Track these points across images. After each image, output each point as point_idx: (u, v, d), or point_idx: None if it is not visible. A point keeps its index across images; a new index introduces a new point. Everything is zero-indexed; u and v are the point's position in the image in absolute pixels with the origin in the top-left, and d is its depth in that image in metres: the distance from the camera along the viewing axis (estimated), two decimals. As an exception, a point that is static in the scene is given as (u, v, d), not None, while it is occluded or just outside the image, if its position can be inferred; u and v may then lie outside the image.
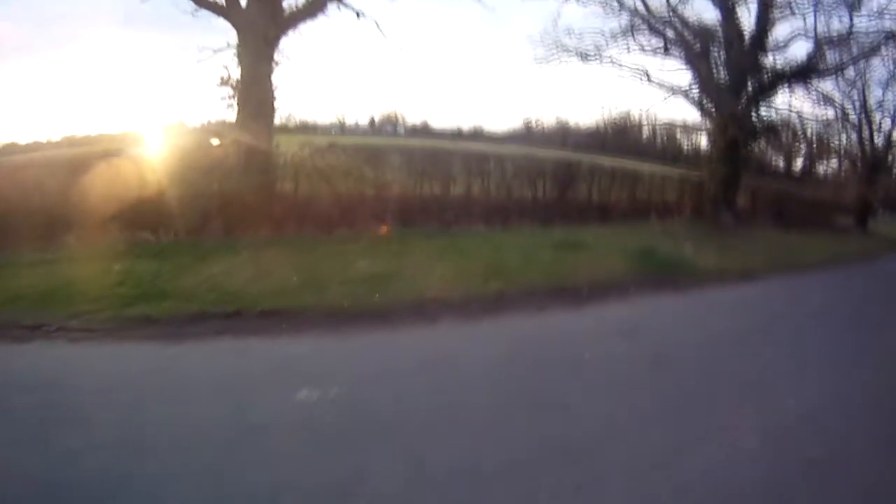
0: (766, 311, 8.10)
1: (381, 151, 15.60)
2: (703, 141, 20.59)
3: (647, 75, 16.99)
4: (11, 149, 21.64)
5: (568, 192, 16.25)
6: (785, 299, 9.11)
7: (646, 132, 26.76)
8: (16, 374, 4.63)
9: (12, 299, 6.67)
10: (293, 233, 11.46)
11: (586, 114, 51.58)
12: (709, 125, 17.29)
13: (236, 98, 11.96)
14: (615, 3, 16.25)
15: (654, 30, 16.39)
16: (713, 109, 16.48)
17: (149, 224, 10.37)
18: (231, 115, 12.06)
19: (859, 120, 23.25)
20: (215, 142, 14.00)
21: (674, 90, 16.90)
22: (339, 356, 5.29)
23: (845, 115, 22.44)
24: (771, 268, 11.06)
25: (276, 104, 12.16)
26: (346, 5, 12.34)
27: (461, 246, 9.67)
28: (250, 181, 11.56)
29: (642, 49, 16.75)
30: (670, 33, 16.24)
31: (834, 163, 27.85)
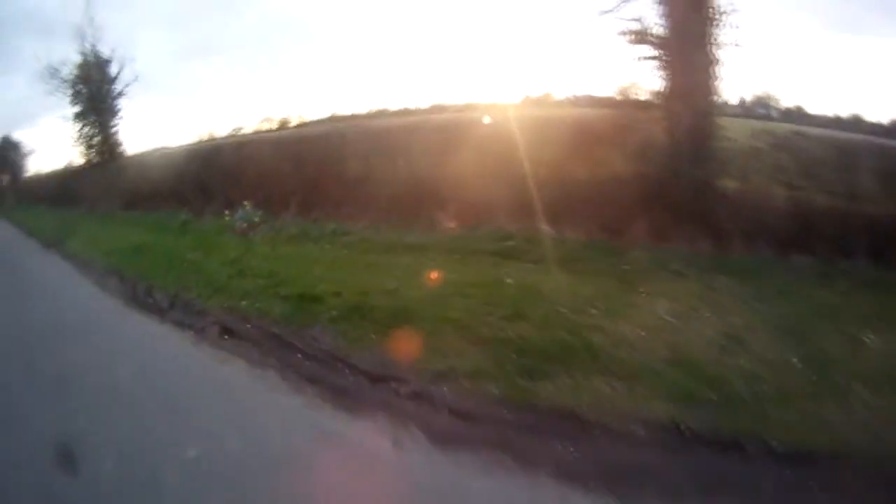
0: None
1: (848, 149, 10.00)
2: None
3: None
4: (382, 114, 22.79)
5: None
6: None
7: None
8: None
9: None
10: (739, 250, 7.42)
11: None
12: None
13: (662, 61, 8.41)
14: None
15: None
16: None
17: (548, 213, 7.63)
18: (649, 82, 8.61)
19: None
20: (487, 120, 10.70)
21: None
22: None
23: None
24: None
25: (718, 69, 8.25)
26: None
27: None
28: (683, 171, 7.88)
29: None
30: None
31: None
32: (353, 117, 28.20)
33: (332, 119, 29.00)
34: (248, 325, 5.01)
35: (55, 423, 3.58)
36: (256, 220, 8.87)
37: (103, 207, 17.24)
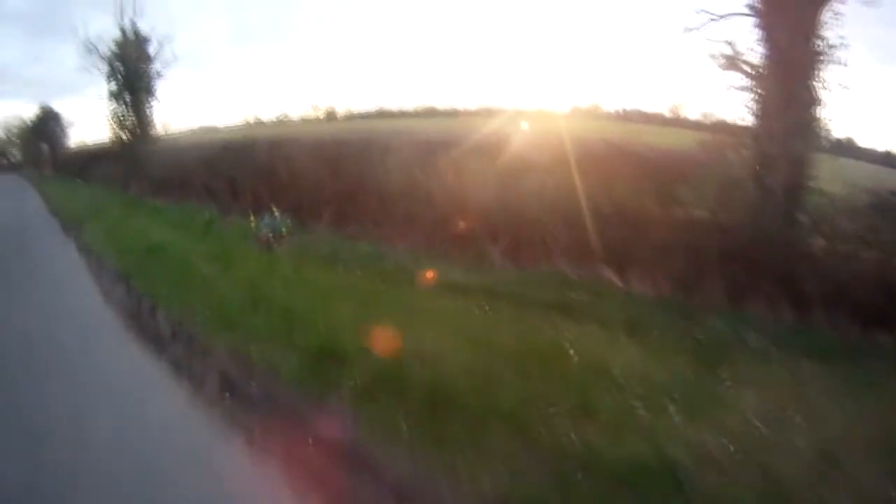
0: None
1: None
2: None
3: None
4: (430, 112, 21.89)
5: None
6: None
7: None
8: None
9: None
10: (820, 321, 6.37)
11: None
12: None
13: (756, 94, 7.33)
14: None
15: None
16: None
17: (612, 256, 6.64)
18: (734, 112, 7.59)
19: None
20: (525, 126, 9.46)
21: None
22: None
23: None
24: None
25: (821, 110, 7.15)
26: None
27: None
28: (772, 227, 6.82)
29: None
30: None
31: None
32: (401, 113, 27.50)
33: (380, 113, 28.29)
34: (254, 384, 4.16)
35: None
36: (283, 230, 8.08)
37: (134, 189, 16.84)
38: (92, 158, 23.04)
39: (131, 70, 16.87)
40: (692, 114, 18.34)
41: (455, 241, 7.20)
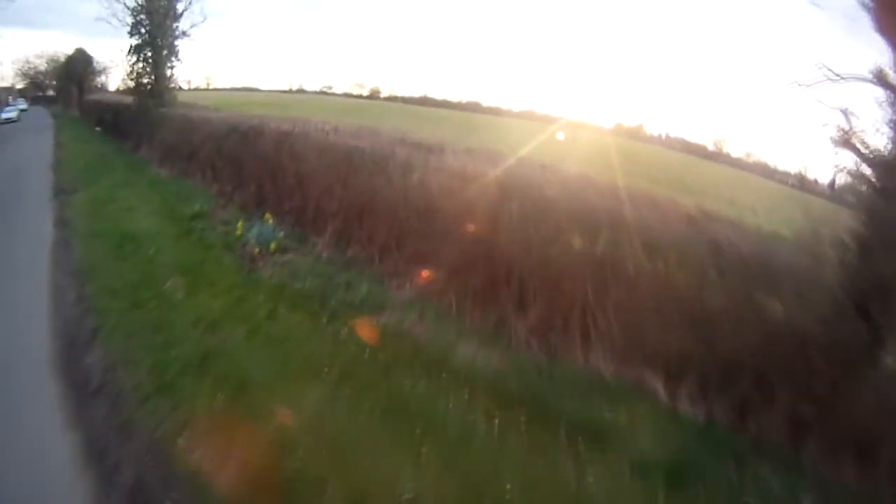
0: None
1: None
2: None
3: None
4: (474, 107, 20.77)
5: None
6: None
7: None
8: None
9: None
10: (888, 489, 5.04)
11: None
12: None
13: (874, 185, 5.89)
14: None
15: None
16: None
17: (660, 356, 5.40)
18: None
19: None
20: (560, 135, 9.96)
21: None
22: None
23: None
24: None
25: None
26: None
27: None
28: (849, 356, 5.45)
29: None
30: None
31: None
32: (445, 104, 26.63)
33: (424, 101, 27.44)
34: (171, 500, 3.07)
35: None
36: (273, 246, 6.96)
37: (144, 151, 15.94)
38: (115, 109, 22.20)
39: (155, 25, 15.80)
40: (735, 151, 17.36)
41: (474, 298, 6.02)
